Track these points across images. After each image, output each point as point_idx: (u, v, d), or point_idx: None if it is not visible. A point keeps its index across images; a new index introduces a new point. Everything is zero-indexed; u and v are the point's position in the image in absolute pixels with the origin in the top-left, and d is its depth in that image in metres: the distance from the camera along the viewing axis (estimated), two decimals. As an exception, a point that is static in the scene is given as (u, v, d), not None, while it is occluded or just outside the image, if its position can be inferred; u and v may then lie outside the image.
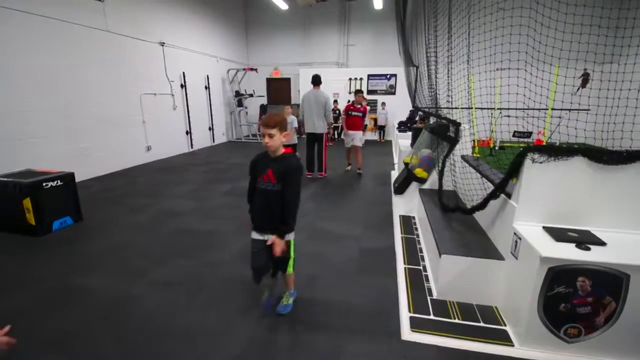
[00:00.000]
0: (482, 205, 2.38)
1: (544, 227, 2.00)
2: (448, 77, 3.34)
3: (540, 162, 1.96)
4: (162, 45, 7.79)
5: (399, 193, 4.67)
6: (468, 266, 2.23)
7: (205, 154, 8.66)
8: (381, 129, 11.00)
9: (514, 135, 8.75)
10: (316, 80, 5.68)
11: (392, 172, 6.39)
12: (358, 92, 6.39)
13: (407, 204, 4.28)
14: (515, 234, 2.04)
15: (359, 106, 6.18)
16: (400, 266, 2.83)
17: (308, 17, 11.37)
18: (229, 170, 6.78)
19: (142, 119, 7.31)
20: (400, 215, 4.03)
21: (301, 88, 11.01)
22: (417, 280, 2.62)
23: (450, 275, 2.29)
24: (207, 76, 9.67)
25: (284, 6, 10.47)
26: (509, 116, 8.63)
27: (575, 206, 2.00)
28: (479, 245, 2.39)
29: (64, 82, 5.51)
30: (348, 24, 11.18)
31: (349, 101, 5.91)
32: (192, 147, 9.12)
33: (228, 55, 10.92)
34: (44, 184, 3.62)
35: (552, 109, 4.33)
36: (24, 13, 4.86)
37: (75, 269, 2.90)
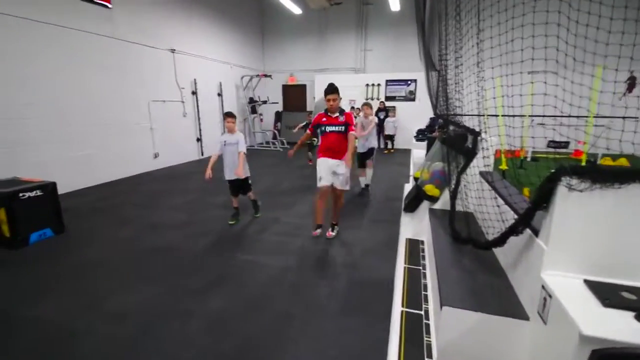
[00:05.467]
0: (500, 241, 1.83)
1: (585, 281, 1.43)
2: (458, 81, 2.81)
3: (580, 191, 1.40)
4: (173, 52, 7.70)
5: (409, 211, 4.12)
6: (478, 324, 1.68)
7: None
8: (390, 138, 10.31)
9: (548, 146, 7.91)
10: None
11: (406, 185, 5.81)
12: (331, 91, 3.38)
13: (417, 225, 3.73)
14: (543, 287, 1.48)
15: (336, 116, 3.43)
16: (397, 308, 2.31)
17: (324, 22, 11.06)
18: (232, 179, 6.46)
19: (150, 126, 7.20)
20: (407, 239, 3.48)
21: (316, 95, 10.67)
22: (414, 330, 2.08)
23: (454, 333, 1.75)
24: (220, 83, 9.53)
25: (297, 10, 10.21)
26: (542, 124, 7.80)
27: (632, 253, 1.42)
28: (495, 294, 1.83)
29: (68, 89, 5.44)
30: (365, 28, 10.73)
31: (325, 111, 3.53)
32: (202, 155, 8.96)
33: (242, 62, 10.78)
34: (20, 194, 3.41)
35: (595, 116, 3.64)
36: (29, 20, 4.81)
37: (31, 292, 2.61)
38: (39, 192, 3.57)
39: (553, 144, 7.63)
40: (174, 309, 2.36)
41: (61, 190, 5.23)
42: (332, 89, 3.40)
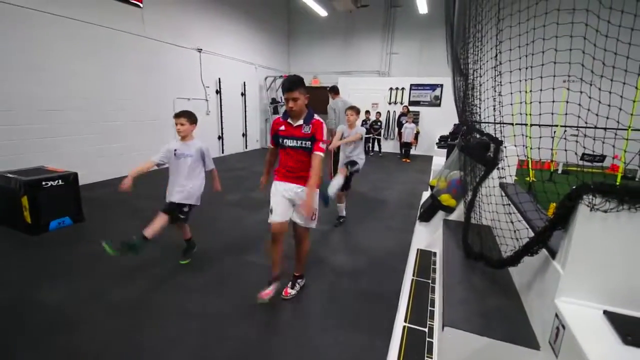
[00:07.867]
0: (513, 260, 1.68)
1: (605, 313, 1.28)
2: (481, 85, 2.64)
3: (605, 211, 1.25)
4: (200, 52, 7.88)
5: (424, 220, 3.96)
6: (483, 349, 1.55)
7: (234, 160, 8.56)
8: (406, 146, 9.47)
9: (581, 159, 7.43)
10: (337, 90, 5.73)
11: (424, 193, 5.62)
12: (288, 88, 2.17)
13: (431, 235, 3.56)
14: (557, 315, 1.34)
15: (299, 124, 2.27)
16: (399, 323, 2.19)
17: (350, 25, 10.99)
18: (248, 178, 6.51)
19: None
20: (418, 250, 3.33)
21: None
22: (416, 347, 1.96)
23: (456, 356, 1.62)
24: (244, 83, 9.67)
25: (323, 12, 10.20)
26: (576, 137, 7.36)
27: (663, 285, 1.25)
28: (504, 318, 1.68)
29: (99, 84, 5.69)
30: (392, 31, 10.56)
31: (284, 115, 2.39)
32: (222, 152, 9.10)
33: (267, 63, 10.89)
34: (43, 183, 3.56)
35: (633, 129, 3.34)
36: (65, 18, 5.07)
37: (42, 276, 2.71)
38: (60, 182, 3.72)
39: (587, 157, 7.16)
40: (171, 307, 2.36)
41: (89, 180, 5.51)
42: (290, 85, 2.17)
